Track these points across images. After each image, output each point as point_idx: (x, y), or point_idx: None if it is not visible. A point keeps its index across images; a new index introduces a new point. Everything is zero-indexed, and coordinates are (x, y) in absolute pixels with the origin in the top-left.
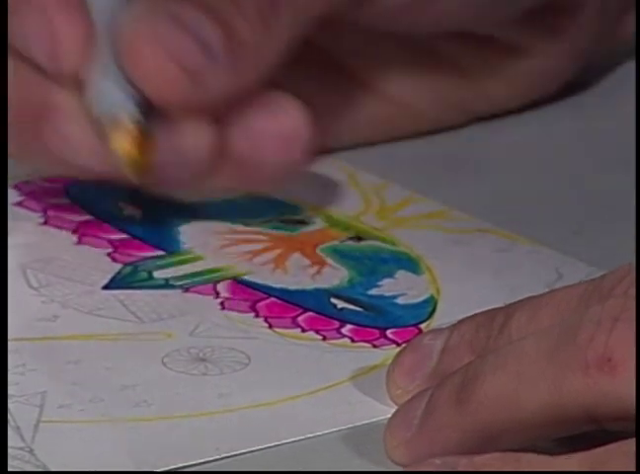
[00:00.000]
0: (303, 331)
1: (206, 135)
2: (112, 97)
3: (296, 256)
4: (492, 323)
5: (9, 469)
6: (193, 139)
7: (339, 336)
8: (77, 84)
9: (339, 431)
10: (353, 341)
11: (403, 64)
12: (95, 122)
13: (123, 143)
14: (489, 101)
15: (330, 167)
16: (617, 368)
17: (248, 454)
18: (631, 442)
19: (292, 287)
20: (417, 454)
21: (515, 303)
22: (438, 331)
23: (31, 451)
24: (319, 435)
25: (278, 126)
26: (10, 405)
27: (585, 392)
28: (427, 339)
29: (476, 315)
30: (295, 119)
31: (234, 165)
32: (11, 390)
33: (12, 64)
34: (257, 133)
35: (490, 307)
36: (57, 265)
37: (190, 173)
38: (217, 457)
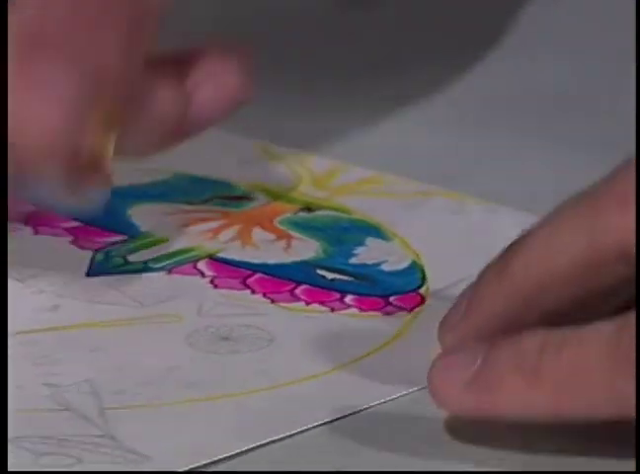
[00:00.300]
0: (307, 304)
1: None
2: None
3: (258, 231)
4: None
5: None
6: None
7: (345, 306)
8: None
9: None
10: (361, 310)
11: None
12: None
13: None
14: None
15: (236, 144)
16: None
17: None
18: None
19: (271, 262)
20: (465, 335)
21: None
22: None
23: (113, 438)
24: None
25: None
26: (65, 395)
27: (621, 228)
28: None
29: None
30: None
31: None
32: (52, 380)
33: None
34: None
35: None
36: (28, 256)
37: None
38: (295, 432)
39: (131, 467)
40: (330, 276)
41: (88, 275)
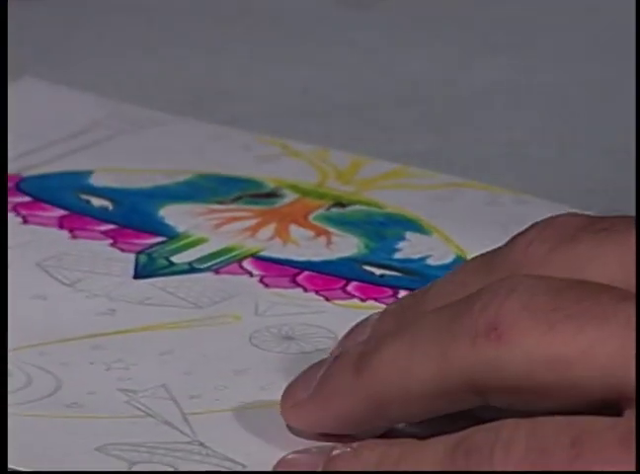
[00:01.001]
0: (362, 301)
1: None
2: None
3: (295, 228)
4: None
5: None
6: None
7: None
8: None
9: None
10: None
11: None
12: None
13: None
14: None
15: (255, 142)
16: (502, 337)
17: None
18: (494, 423)
19: (316, 259)
20: (308, 417)
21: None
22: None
23: (202, 445)
24: None
25: None
26: (143, 401)
27: (469, 360)
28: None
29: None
30: None
31: None
32: (126, 385)
33: None
34: None
35: None
36: (70, 260)
37: None
38: None
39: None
40: (378, 271)
41: (135, 277)
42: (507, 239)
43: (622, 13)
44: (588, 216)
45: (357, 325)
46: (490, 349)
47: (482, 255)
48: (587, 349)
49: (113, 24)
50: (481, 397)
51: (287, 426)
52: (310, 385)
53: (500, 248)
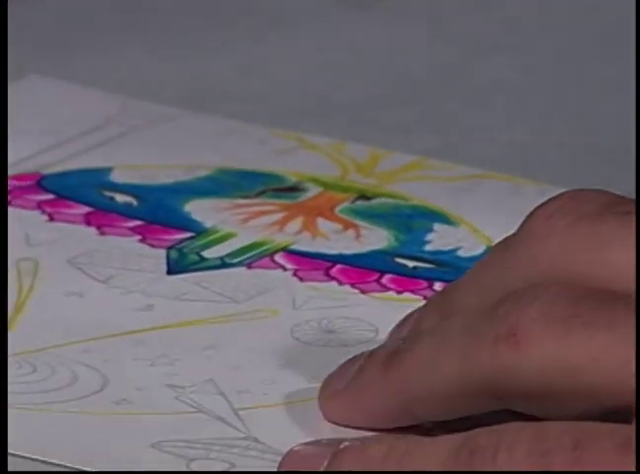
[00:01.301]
0: (399, 293)
1: None
2: None
3: (322, 221)
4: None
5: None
6: None
7: None
8: None
9: None
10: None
11: None
12: None
13: None
14: None
15: (269, 136)
16: (521, 343)
17: None
18: (499, 426)
19: (348, 252)
20: (342, 409)
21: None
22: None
23: (256, 440)
24: None
25: None
26: (192, 396)
27: (489, 365)
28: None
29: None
30: None
31: None
32: (173, 381)
33: None
34: None
35: None
36: (100, 257)
37: None
38: None
39: None
40: (410, 264)
41: (169, 273)
42: None
43: (622, 13)
44: (613, 195)
45: (402, 320)
46: (509, 354)
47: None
48: (597, 355)
49: (113, 23)
50: (500, 401)
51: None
52: (346, 377)
53: (522, 222)
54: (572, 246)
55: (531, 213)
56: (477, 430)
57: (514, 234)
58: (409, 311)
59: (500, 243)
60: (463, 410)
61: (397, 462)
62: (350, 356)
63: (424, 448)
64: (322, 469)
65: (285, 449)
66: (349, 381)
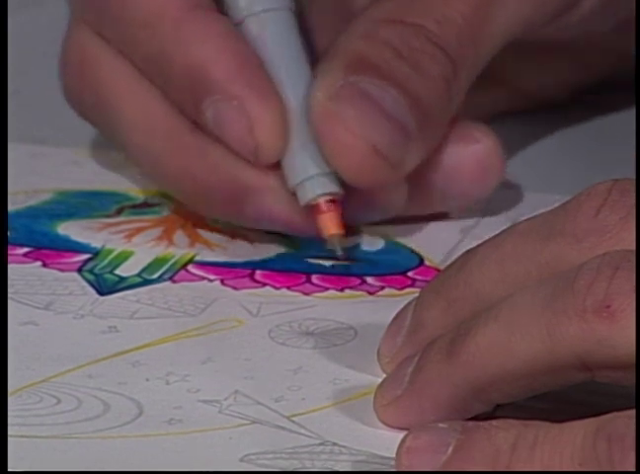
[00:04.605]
0: (340, 291)
1: (401, 192)
2: (306, 172)
3: (203, 231)
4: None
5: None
6: (386, 199)
7: (378, 288)
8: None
9: None
10: (399, 289)
11: (531, 59)
12: (291, 194)
13: (324, 221)
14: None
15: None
16: (616, 315)
17: None
18: (632, 411)
19: (257, 258)
20: (406, 412)
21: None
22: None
23: (335, 444)
24: None
25: (472, 158)
26: (235, 408)
27: (579, 338)
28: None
29: (439, 273)
30: (489, 149)
31: (425, 194)
32: (202, 396)
33: (206, 146)
34: (451, 166)
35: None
36: (22, 286)
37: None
38: None
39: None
40: (326, 262)
41: (101, 294)
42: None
43: None
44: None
45: (399, 312)
46: (602, 326)
47: (533, 220)
48: None
49: None
50: (589, 373)
51: None
52: (402, 382)
53: (558, 213)
54: (624, 243)
55: (573, 206)
56: (612, 414)
57: (551, 223)
58: (362, 306)
59: (527, 227)
60: (545, 386)
61: (529, 449)
62: (349, 350)
63: (556, 435)
64: (447, 457)
65: (370, 448)
66: (407, 383)
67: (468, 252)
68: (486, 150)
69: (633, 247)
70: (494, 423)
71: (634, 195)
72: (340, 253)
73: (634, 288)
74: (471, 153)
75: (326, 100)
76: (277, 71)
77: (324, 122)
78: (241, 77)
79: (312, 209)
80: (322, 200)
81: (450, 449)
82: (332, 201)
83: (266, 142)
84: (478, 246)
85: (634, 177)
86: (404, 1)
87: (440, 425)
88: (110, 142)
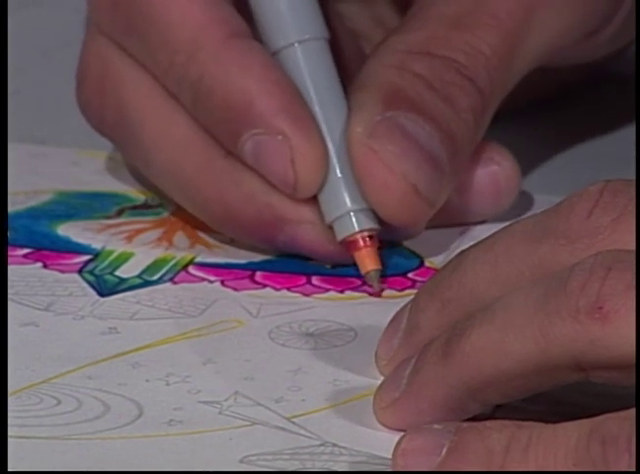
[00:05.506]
0: (340, 292)
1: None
2: (344, 207)
3: (202, 233)
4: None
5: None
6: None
7: (379, 290)
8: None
9: None
10: (399, 290)
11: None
12: (326, 227)
13: (362, 257)
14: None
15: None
16: (609, 316)
17: None
18: (629, 411)
19: (257, 259)
20: (405, 414)
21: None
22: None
23: (335, 445)
24: None
25: (490, 179)
26: (235, 409)
27: (573, 338)
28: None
29: (435, 273)
30: (507, 170)
31: (442, 213)
32: (202, 397)
33: (241, 173)
34: (470, 186)
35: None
36: (22, 287)
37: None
38: None
39: (387, 469)
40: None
41: (101, 295)
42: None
43: None
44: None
45: (395, 315)
46: (595, 327)
47: (525, 221)
48: None
49: None
50: (583, 373)
51: None
52: (400, 384)
53: (550, 214)
54: (618, 244)
55: (565, 208)
56: (605, 416)
57: (543, 225)
58: (362, 307)
59: (519, 230)
60: (539, 386)
61: (522, 451)
62: (349, 352)
63: (549, 436)
64: (441, 458)
65: (370, 449)
66: (405, 386)
67: (462, 253)
68: (504, 173)
69: (625, 248)
70: (487, 424)
71: (626, 195)
72: (377, 288)
73: (627, 289)
74: (489, 174)
75: (365, 136)
76: (314, 103)
77: (364, 159)
78: (285, 111)
79: (349, 244)
80: (360, 237)
81: (444, 451)
82: (369, 237)
83: (306, 177)
84: (471, 247)
85: (634, 177)
86: (429, 33)
87: (435, 426)
88: (132, 162)
